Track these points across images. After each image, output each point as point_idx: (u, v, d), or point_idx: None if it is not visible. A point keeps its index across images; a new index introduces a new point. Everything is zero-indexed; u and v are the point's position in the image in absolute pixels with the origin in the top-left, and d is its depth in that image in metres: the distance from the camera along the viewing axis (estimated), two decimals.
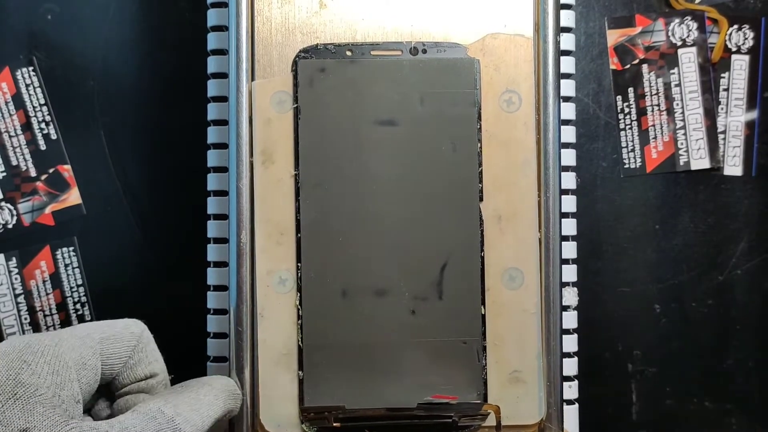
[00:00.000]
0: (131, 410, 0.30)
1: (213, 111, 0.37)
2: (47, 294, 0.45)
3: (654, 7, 0.47)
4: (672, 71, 0.47)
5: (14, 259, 0.45)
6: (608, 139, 0.47)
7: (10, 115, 0.45)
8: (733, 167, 0.47)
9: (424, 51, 0.37)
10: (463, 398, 0.36)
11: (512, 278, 0.37)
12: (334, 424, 0.36)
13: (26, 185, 0.45)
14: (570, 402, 0.37)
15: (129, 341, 0.32)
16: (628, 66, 0.47)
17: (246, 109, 0.36)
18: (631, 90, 0.47)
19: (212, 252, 0.37)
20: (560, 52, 0.37)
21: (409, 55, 0.37)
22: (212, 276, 0.37)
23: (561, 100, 0.37)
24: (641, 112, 0.47)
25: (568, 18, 0.37)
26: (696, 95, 0.47)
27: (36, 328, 0.45)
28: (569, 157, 0.37)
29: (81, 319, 0.45)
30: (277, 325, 0.36)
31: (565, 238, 0.37)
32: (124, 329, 0.32)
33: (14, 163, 0.45)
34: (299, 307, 0.36)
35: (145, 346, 0.32)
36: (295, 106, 0.36)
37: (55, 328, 0.45)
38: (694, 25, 0.47)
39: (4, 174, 0.45)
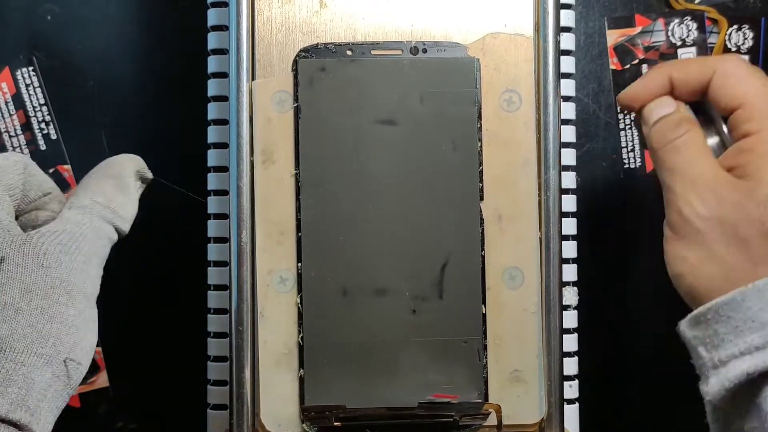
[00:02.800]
0: (66, 208, 0.32)
1: (213, 110, 0.37)
2: None
3: (654, 7, 0.47)
4: None
5: None
6: (608, 139, 0.47)
7: (10, 115, 0.45)
8: None
9: (425, 50, 0.37)
10: (463, 397, 0.36)
11: (512, 278, 0.37)
12: (335, 424, 0.36)
13: None
14: (570, 402, 0.37)
15: (17, 169, 0.32)
16: (628, 66, 0.47)
17: (246, 109, 0.36)
18: None
19: (213, 251, 0.37)
20: (560, 52, 0.37)
21: (409, 54, 0.37)
22: (213, 275, 0.37)
23: (561, 100, 0.37)
24: None
25: (568, 18, 0.37)
26: None
27: None
28: (569, 156, 0.37)
29: None
30: (278, 324, 0.36)
31: (565, 238, 0.37)
32: (5, 160, 0.32)
33: None
34: (300, 306, 0.36)
35: (32, 170, 0.33)
36: (296, 105, 0.36)
37: None
38: (693, 25, 0.47)
39: None
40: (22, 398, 0.28)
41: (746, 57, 0.47)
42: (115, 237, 0.33)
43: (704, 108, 0.36)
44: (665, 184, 0.35)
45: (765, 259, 0.32)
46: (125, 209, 0.33)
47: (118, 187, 0.34)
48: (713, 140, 0.35)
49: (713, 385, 0.31)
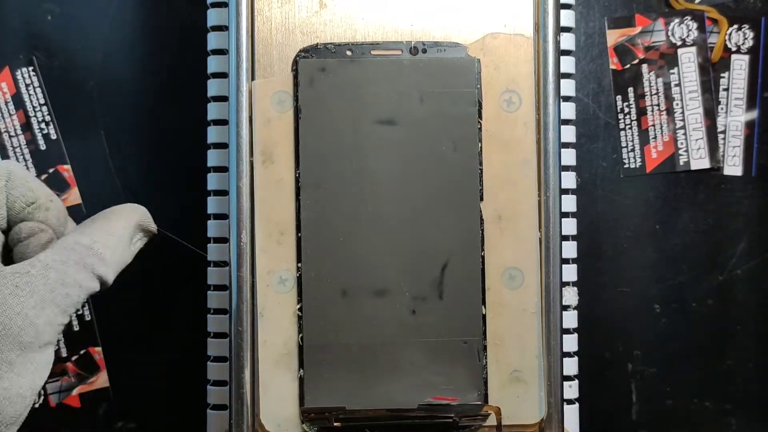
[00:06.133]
0: (49, 249, 0.30)
1: (213, 111, 0.37)
2: None
3: (654, 7, 0.47)
4: (672, 71, 0.47)
5: None
6: (608, 139, 0.47)
7: (10, 115, 0.45)
8: (733, 167, 0.47)
9: (424, 50, 0.37)
10: (463, 398, 0.36)
11: (512, 278, 0.37)
12: (335, 425, 0.36)
13: None
14: (570, 402, 0.37)
15: None
16: (628, 66, 0.47)
17: (246, 109, 0.36)
18: (631, 90, 0.47)
19: (212, 252, 0.37)
20: (560, 52, 0.37)
21: (409, 54, 0.37)
22: (212, 275, 0.37)
23: (561, 100, 0.37)
24: (641, 112, 0.47)
25: (568, 18, 0.37)
26: (696, 95, 0.47)
27: None
28: (569, 156, 0.37)
29: (81, 319, 0.45)
30: (278, 324, 0.36)
31: (565, 238, 0.37)
32: None
33: None
34: (299, 306, 0.36)
35: (17, 179, 0.31)
36: (296, 105, 0.36)
37: None
38: (693, 25, 0.47)
39: None
40: None
41: (746, 57, 0.47)
42: (92, 285, 0.30)
43: None
44: None
45: None
46: (111, 253, 0.31)
47: (109, 231, 0.31)
48: None
49: None
